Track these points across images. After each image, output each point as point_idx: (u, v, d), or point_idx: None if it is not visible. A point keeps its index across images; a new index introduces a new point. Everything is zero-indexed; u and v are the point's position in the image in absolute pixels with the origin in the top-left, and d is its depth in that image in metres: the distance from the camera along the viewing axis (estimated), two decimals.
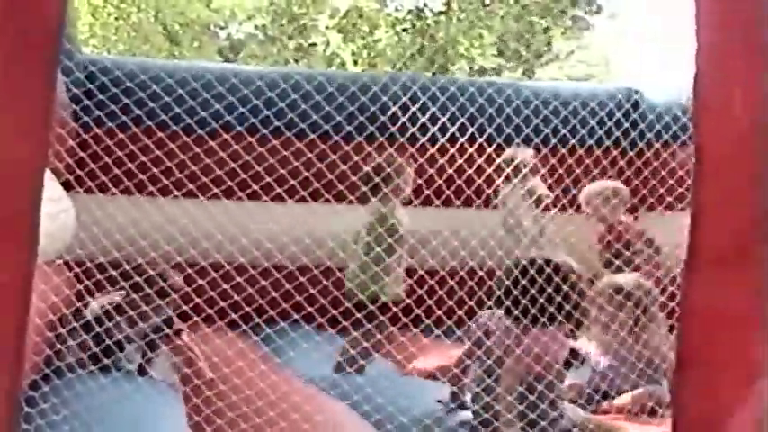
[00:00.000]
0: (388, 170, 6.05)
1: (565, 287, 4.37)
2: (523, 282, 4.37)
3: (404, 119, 5.23)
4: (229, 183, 5.33)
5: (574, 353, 4.61)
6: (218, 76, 6.92)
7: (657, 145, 7.08)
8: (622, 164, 6.56)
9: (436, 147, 5.69)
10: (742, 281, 3.33)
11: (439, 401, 4.86)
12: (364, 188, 6.25)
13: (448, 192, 5.11)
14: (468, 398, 4.76)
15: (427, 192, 5.20)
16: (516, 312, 4.35)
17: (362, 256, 5.94)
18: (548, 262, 4.42)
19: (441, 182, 5.21)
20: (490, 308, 4.56)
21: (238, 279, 4.81)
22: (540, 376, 4.36)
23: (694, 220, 3.46)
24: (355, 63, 20.48)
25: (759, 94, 3.38)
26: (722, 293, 3.37)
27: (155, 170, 5.11)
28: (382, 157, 6.13)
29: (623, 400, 5.15)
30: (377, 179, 6.15)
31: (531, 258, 4.47)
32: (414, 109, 5.27)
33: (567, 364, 4.61)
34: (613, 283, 5.38)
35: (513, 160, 7.02)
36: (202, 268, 5.15)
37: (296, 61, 20.88)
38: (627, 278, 5.46)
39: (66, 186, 5.93)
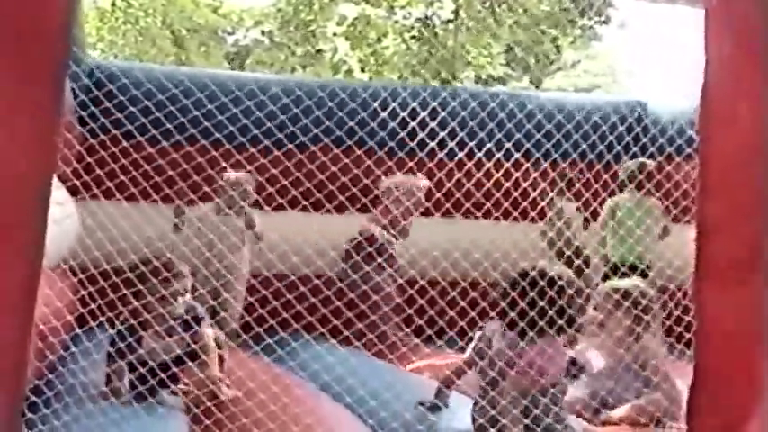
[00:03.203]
0: None
1: (563, 298, 4.38)
2: (513, 294, 4.40)
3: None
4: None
5: (572, 362, 4.60)
6: (222, 85, 6.94)
7: (661, 158, 7.07)
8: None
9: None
10: (749, 294, 3.33)
11: (420, 404, 4.89)
12: None
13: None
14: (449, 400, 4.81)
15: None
16: (522, 324, 4.35)
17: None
18: (543, 274, 4.41)
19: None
20: (492, 319, 4.56)
21: (239, 288, 4.82)
22: (543, 389, 4.37)
23: (700, 233, 3.46)
24: (362, 70, 20.47)
25: (763, 107, 3.38)
26: (731, 307, 3.37)
27: (158, 179, 5.12)
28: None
29: (622, 411, 5.14)
30: None
31: (524, 271, 4.46)
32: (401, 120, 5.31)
33: (567, 374, 4.61)
34: (615, 286, 5.37)
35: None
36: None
37: (303, 68, 20.89)
38: (628, 282, 5.41)
39: (72, 191, 5.94)
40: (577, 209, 7.97)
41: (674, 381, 5.10)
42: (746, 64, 3.47)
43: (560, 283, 4.39)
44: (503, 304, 4.42)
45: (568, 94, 11.64)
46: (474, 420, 4.52)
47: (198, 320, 5.09)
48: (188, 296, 5.11)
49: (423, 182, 7.57)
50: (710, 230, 3.44)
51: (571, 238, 7.69)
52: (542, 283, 4.35)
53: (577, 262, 6.26)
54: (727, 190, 3.41)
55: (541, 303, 4.31)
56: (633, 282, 5.43)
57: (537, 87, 22.49)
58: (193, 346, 5.04)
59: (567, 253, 7.28)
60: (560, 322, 4.33)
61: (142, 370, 4.78)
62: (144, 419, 4.54)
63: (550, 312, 4.31)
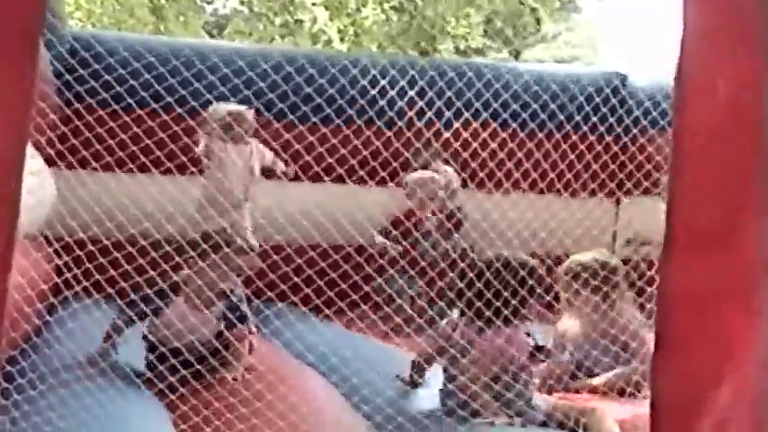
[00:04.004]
0: None
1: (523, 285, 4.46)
2: (477, 281, 4.47)
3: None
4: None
5: (537, 348, 4.68)
6: (200, 53, 6.90)
7: (639, 129, 7.09)
8: (602, 148, 6.59)
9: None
10: (719, 264, 3.34)
11: (397, 377, 4.92)
12: None
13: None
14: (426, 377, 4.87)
15: None
16: (488, 313, 4.43)
17: None
18: (507, 262, 4.48)
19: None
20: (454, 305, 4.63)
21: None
22: (504, 369, 4.43)
23: (671, 204, 3.47)
24: (342, 40, 20.35)
25: (742, 80, 3.37)
26: (700, 276, 3.38)
27: (134, 147, 5.09)
28: None
29: (596, 382, 5.18)
30: None
31: (489, 259, 4.53)
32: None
33: (532, 357, 4.68)
34: (575, 261, 5.41)
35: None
36: (180, 246, 5.14)
37: (282, 38, 20.75)
38: (588, 256, 5.47)
39: (49, 161, 5.91)
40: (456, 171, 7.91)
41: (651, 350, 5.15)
42: (725, 34, 3.46)
43: (529, 266, 4.50)
44: (468, 293, 4.50)
45: (544, 66, 11.62)
46: (443, 403, 4.56)
47: (242, 318, 4.99)
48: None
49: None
50: (683, 200, 3.45)
51: (445, 200, 7.68)
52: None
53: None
54: (701, 161, 3.42)
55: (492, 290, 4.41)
56: (593, 254, 5.49)
57: (515, 59, 22.45)
58: (227, 334, 4.91)
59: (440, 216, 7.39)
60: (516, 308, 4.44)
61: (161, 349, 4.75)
62: (127, 395, 4.49)
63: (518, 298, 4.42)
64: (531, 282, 4.52)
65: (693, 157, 3.42)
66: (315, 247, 6.04)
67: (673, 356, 3.49)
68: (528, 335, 4.66)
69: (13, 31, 3.16)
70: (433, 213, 7.56)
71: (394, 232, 7.44)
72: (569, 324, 5.48)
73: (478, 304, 4.42)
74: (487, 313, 4.41)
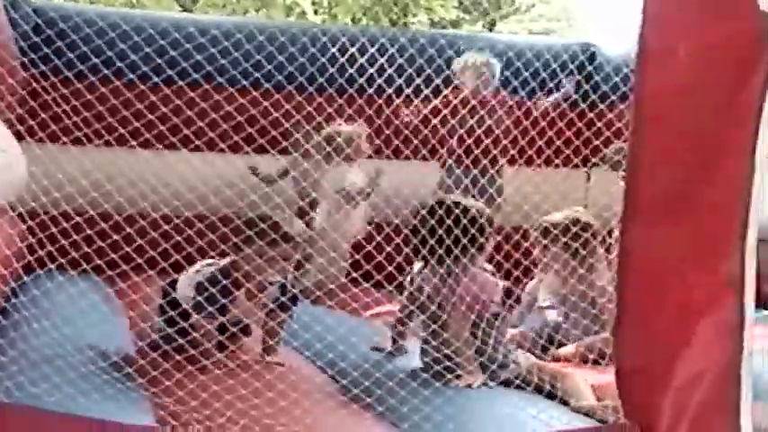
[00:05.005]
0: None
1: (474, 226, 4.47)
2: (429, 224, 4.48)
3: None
4: (186, 132, 5.30)
5: (508, 292, 4.65)
6: (173, 24, 6.87)
7: (608, 101, 7.09)
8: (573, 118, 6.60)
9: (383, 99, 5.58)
10: (681, 231, 3.37)
11: (374, 348, 4.91)
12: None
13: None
14: (407, 344, 4.87)
15: None
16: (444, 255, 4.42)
17: None
18: (456, 204, 4.48)
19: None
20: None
21: (189, 232, 4.74)
22: (484, 318, 4.44)
23: (631, 170, 3.49)
24: (315, 12, 20.24)
25: (704, 47, 3.37)
26: (661, 244, 3.41)
27: (109, 120, 5.06)
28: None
29: (570, 348, 5.19)
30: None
31: (439, 200, 4.53)
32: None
33: (504, 303, 4.65)
34: (549, 219, 5.39)
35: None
36: (154, 220, 5.13)
37: (255, 10, 20.63)
38: (562, 215, 5.41)
39: (18, 137, 5.87)
40: None
41: None
42: (685, 1, 3.47)
43: (475, 210, 4.49)
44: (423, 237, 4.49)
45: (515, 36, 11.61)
46: (424, 353, 4.57)
47: (294, 299, 4.91)
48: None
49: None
50: (641, 168, 3.47)
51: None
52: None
53: None
54: (663, 128, 3.43)
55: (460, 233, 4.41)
56: (572, 214, 5.43)
57: (490, 31, 22.36)
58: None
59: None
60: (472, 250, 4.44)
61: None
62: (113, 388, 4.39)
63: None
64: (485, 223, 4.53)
65: (654, 123, 3.44)
66: None
67: (636, 324, 3.53)
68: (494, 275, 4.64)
69: None
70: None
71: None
72: (546, 283, 5.47)
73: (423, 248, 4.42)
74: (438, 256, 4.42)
